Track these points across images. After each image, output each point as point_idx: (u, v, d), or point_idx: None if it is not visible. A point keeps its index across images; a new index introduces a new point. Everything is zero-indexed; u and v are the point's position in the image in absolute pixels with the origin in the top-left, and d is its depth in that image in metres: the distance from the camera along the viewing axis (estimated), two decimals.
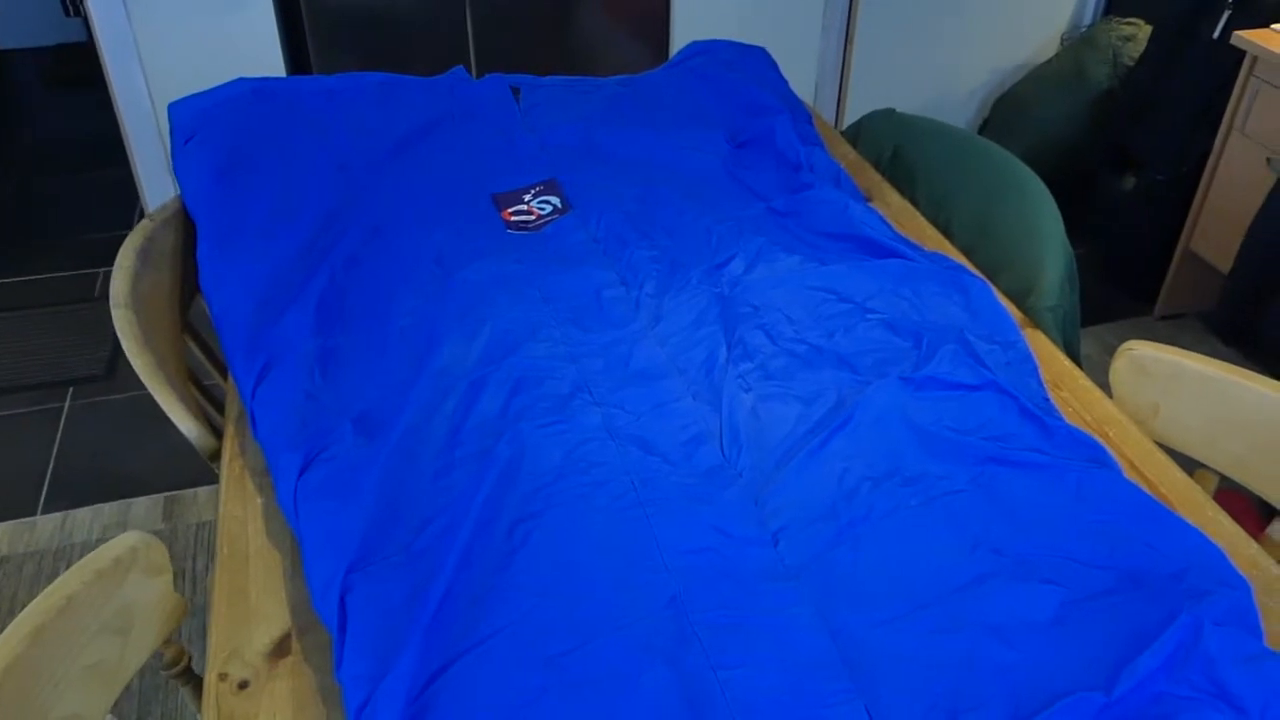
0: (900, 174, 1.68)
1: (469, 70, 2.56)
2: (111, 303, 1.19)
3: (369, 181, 1.47)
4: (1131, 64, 2.73)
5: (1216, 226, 2.48)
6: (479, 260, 1.34)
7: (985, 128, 3.10)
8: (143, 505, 2.12)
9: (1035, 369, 1.17)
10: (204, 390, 1.33)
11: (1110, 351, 2.62)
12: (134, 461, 2.22)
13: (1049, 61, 2.95)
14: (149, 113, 2.57)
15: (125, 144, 2.61)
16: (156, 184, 2.68)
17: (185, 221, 1.40)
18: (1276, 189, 2.06)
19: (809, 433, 1.08)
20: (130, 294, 1.21)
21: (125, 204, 3.13)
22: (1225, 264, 2.47)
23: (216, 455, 1.15)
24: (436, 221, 1.42)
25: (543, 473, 1.02)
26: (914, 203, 1.61)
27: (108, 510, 2.10)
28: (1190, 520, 0.98)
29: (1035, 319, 1.31)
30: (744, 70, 1.76)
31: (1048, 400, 1.13)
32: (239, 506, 1.03)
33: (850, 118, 2.98)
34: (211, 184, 1.41)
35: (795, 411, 1.11)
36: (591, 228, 1.43)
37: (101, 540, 2.03)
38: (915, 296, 1.25)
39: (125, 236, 1.29)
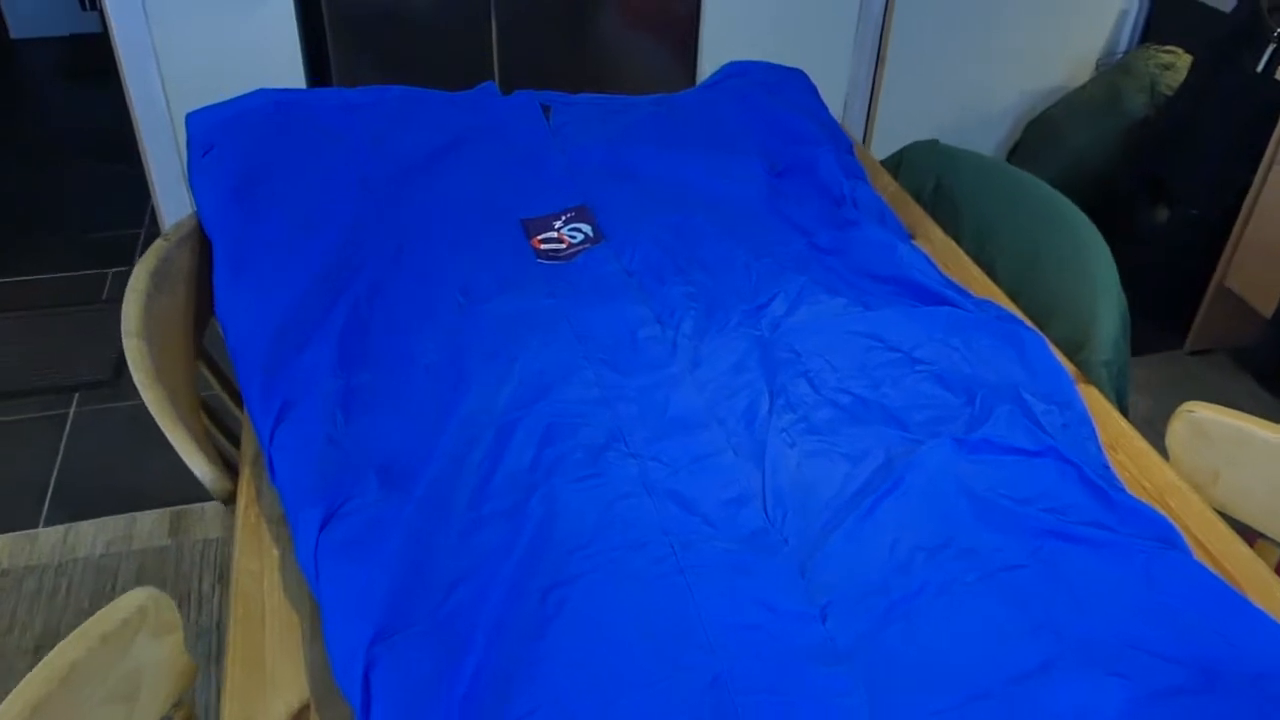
0: (943, 208, 1.62)
1: (492, 77, 2.50)
2: (123, 331, 1.13)
3: (392, 201, 1.41)
4: (1170, 93, 2.67)
5: (1254, 263, 2.42)
6: (507, 292, 1.28)
7: (1016, 150, 3.04)
8: (148, 520, 2.07)
9: (1094, 432, 1.11)
10: (216, 419, 1.27)
11: (1139, 387, 2.56)
12: (140, 473, 2.17)
13: (1084, 86, 2.89)
14: (163, 110, 2.52)
15: (138, 142, 2.55)
16: (169, 183, 2.62)
17: (201, 241, 1.34)
18: None
19: (856, 495, 1.02)
20: (143, 320, 1.15)
21: (136, 201, 3.07)
22: (1261, 301, 2.41)
23: (231, 498, 1.09)
24: (463, 247, 1.36)
25: (577, 533, 0.96)
26: (956, 239, 1.55)
27: (112, 524, 2.04)
28: (1255, 598, 0.92)
29: (1088, 374, 1.25)
30: (783, 94, 1.70)
31: (1108, 468, 1.07)
32: (255, 559, 0.97)
33: (879, 135, 2.92)
34: (228, 202, 1.35)
35: (842, 471, 1.05)
36: (625, 260, 1.37)
37: (105, 556, 1.98)
38: (966, 348, 1.19)
39: (135, 235, 1.23)
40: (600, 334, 1.23)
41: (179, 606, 1.95)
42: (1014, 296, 1.40)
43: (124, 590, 1.95)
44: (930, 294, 1.27)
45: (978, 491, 1.01)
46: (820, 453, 1.08)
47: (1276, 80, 2.23)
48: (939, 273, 1.31)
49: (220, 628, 1.87)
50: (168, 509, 2.09)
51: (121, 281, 2.70)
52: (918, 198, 1.64)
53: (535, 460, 1.05)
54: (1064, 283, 1.39)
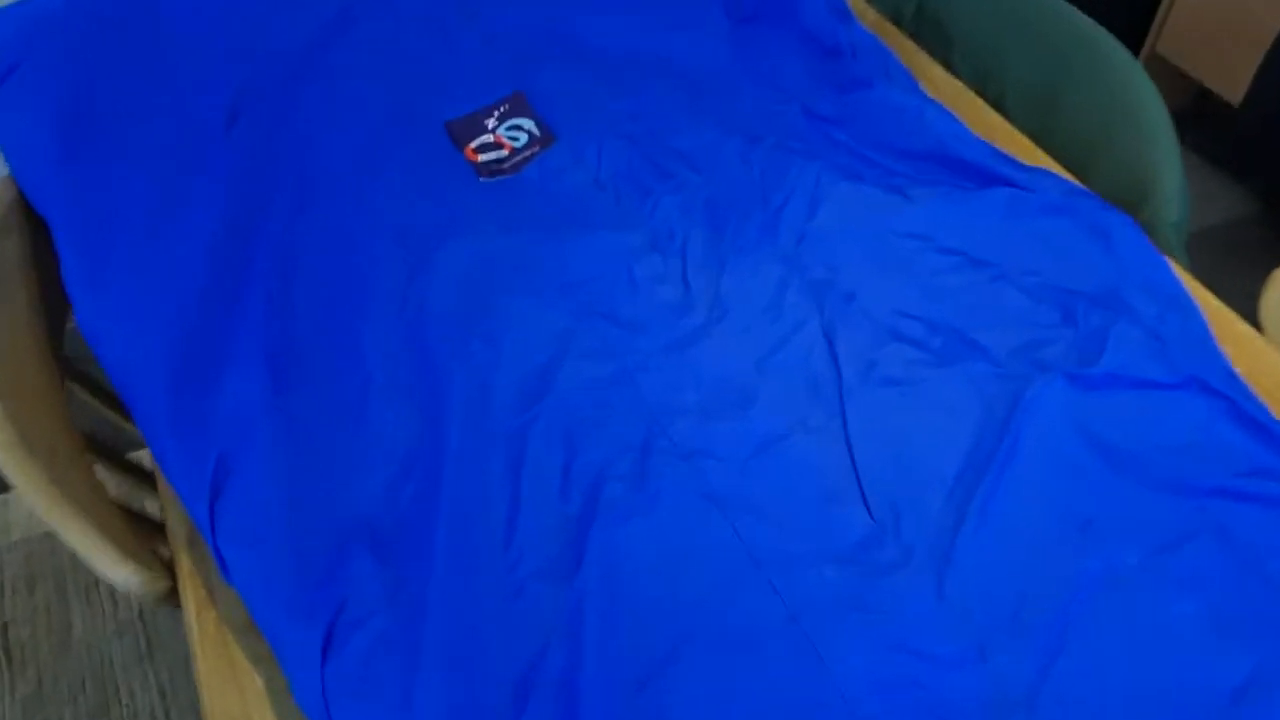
0: (929, 36, 1.37)
1: None
2: None
3: (280, 127, 1.08)
4: None
5: (1187, 29, 2.26)
6: (454, 235, 1.00)
7: None
8: None
9: (1207, 329, 0.93)
10: (110, 455, 0.98)
11: None
12: None
13: None
14: None
15: None
16: None
17: (28, 215, 1.00)
18: None
19: (967, 470, 0.83)
20: None
21: None
22: (1196, 68, 2.26)
23: (171, 594, 0.82)
24: (382, 180, 1.06)
25: (650, 589, 0.75)
26: (950, 70, 1.31)
27: None
28: None
29: (1157, 242, 1.07)
30: None
31: (1234, 376, 0.90)
32: (232, 697, 0.72)
33: None
34: (54, 154, 1.01)
35: (938, 435, 0.85)
36: (590, 164, 1.09)
37: None
38: (1040, 242, 0.98)
39: None
40: (588, 278, 0.98)
41: None
42: (1034, 142, 1.19)
43: None
44: (976, 170, 1.05)
45: (1113, 443, 0.83)
46: (904, 410, 0.87)
47: None
48: (978, 139, 1.08)
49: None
50: None
51: None
52: (897, 26, 1.38)
53: (565, 484, 0.81)
54: (1098, 125, 1.18)
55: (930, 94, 1.20)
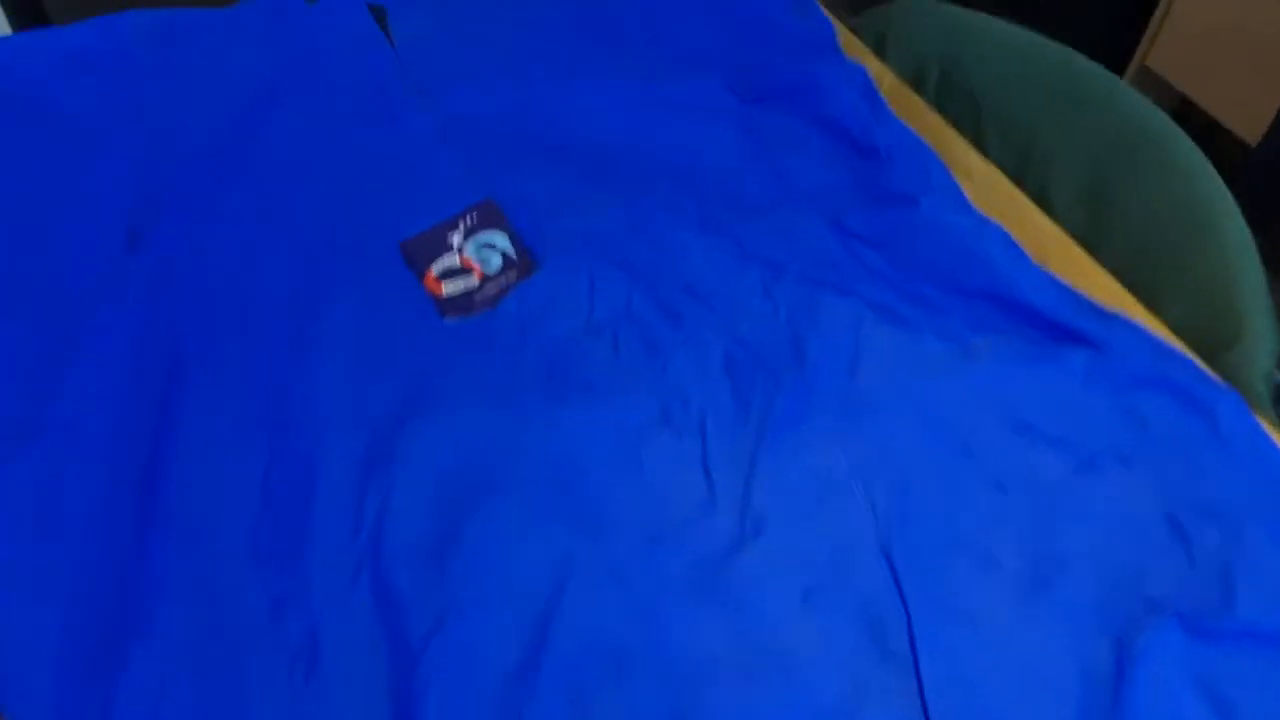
0: (956, 107, 1.18)
1: None
2: None
3: (188, 252, 0.86)
4: None
5: (1180, 41, 2.11)
6: (416, 416, 0.80)
7: None
8: None
9: None
10: None
11: None
12: None
13: None
14: None
15: None
16: None
17: None
18: None
19: None
20: None
21: None
22: (1187, 82, 2.12)
23: None
24: (323, 332, 0.85)
25: None
26: (983, 152, 1.14)
27: None
28: None
29: (1242, 391, 0.91)
30: None
31: None
32: None
33: None
34: None
35: (1037, 702, 0.69)
36: (582, 301, 0.89)
37: None
38: (1133, 424, 0.82)
39: None
40: (587, 470, 0.79)
41: None
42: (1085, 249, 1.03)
43: None
44: (1044, 318, 0.88)
45: (1243, 713, 0.68)
46: (989, 660, 0.71)
47: None
48: (1046, 275, 0.91)
49: None
50: None
51: None
52: (917, 89, 1.20)
53: None
54: (1163, 234, 1.01)
55: (966, 188, 1.03)
